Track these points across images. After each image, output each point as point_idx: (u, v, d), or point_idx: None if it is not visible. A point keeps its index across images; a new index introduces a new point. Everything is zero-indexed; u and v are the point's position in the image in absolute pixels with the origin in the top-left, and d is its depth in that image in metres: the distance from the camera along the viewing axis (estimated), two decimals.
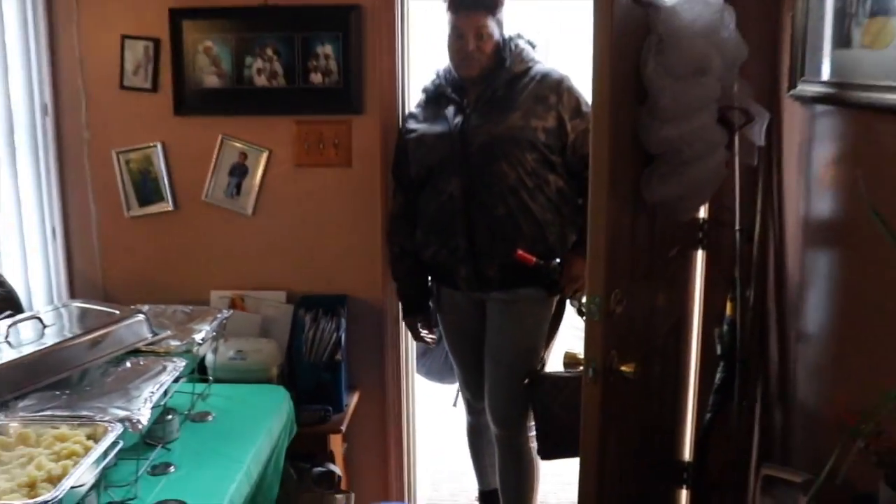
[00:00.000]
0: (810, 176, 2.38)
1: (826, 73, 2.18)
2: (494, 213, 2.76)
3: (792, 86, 2.37)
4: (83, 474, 1.59)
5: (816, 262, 2.38)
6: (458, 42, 2.78)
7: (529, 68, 2.82)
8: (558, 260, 2.80)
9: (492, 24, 2.78)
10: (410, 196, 2.96)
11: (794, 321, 2.50)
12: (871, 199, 1.61)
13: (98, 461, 1.66)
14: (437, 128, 2.85)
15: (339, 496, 2.91)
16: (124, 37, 3.13)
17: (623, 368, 2.10)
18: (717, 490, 2.86)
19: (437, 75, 2.94)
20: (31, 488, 1.55)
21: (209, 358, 2.70)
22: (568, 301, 2.93)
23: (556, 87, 2.79)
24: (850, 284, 2.13)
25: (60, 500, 1.48)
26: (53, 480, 1.58)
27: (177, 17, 3.09)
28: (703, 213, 2.85)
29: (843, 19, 2.06)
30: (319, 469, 2.96)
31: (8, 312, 2.60)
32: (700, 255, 2.92)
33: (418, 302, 3.07)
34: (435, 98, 2.92)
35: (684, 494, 3.03)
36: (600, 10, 1.90)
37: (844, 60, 2.08)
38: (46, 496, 1.47)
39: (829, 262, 2.30)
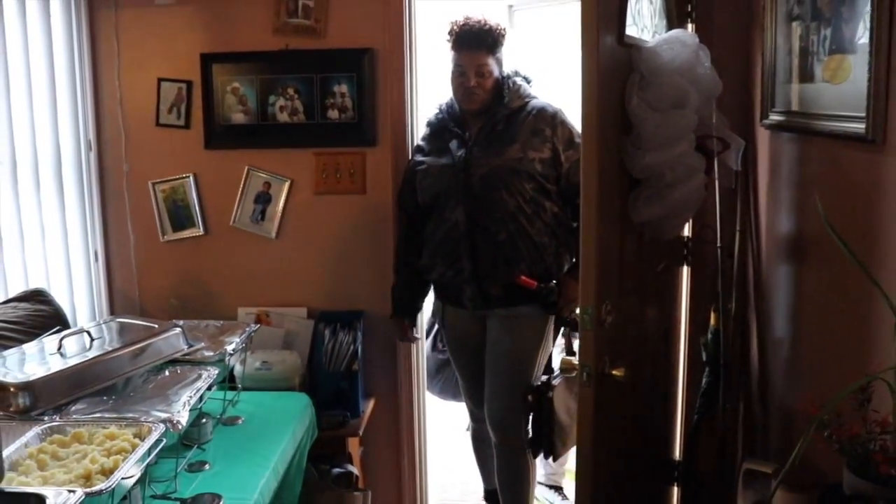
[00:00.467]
0: (780, 197, 2.45)
1: (793, 105, 2.25)
2: (497, 238, 2.80)
3: (764, 116, 2.44)
4: (131, 468, 1.69)
5: (786, 274, 2.44)
6: (461, 78, 2.83)
7: (526, 103, 2.87)
8: (555, 282, 2.85)
9: (492, 63, 2.84)
10: (415, 221, 3.02)
11: (770, 329, 2.56)
12: (827, 215, 1.70)
13: (143, 458, 1.75)
14: (443, 160, 2.89)
15: (356, 494, 2.94)
16: (160, 79, 3.23)
17: (614, 372, 2.16)
18: (705, 487, 2.88)
19: (441, 109, 2.99)
20: (87, 479, 1.64)
21: (238, 368, 2.78)
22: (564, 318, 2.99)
23: (550, 121, 2.83)
24: (815, 293, 2.20)
25: (113, 489, 1.59)
26: (106, 473, 1.67)
27: (207, 61, 3.19)
28: (687, 232, 2.89)
29: (807, 56, 2.13)
30: (338, 469, 3.00)
31: (57, 328, 2.72)
32: (685, 271, 2.96)
33: (409, 306, 3.14)
34: (439, 131, 2.96)
35: (675, 492, 3.05)
36: (587, 50, 1.99)
37: (808, 93, 2.15)
38: (101, 485, 1.56)
39: (797, 274, 2.36)
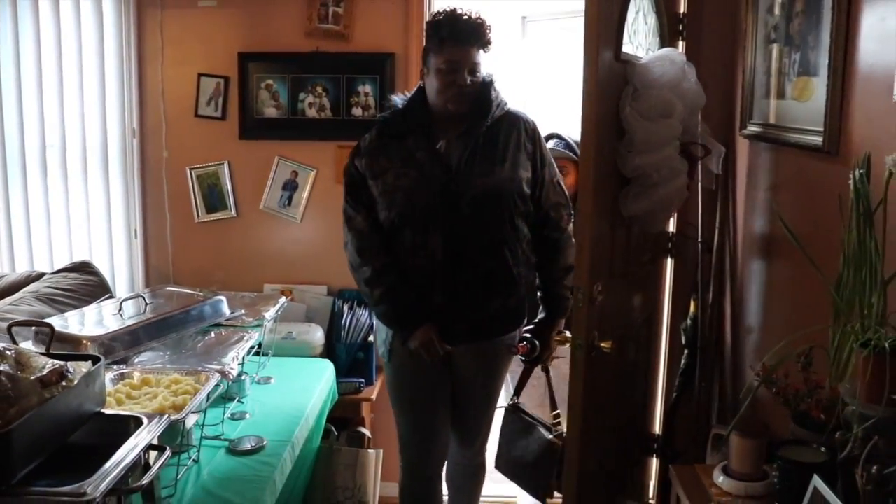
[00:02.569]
0: (755, 199, 2.68)
1: (767, 118, 2.49)
2: (478, 271, 2.48)
3: (743, 126, 2.67)
4: (196, 406, 2.00)
5: (758, 267, 2.68)
6: (453, 76, 2.40)
7: (506, 112, 2.54)
8: (530, 335, 2.65)
9: (482, 61, 2.49)
10: (373, 215, 2.53)
11: (742, 316, 2.78)
12: (788, 215, 1.97)
13: (204, 400, 2.07)
14: (411, 171, 2.45)
15: (370, 452, 3.17)
16: (200, 74, 3.49)
17: (602, 345, 2.40)
18: (681, 457, 3.01)
19: (396, 106, 2.55)
20: (162, 412, 1.95)
21: (267, 337, 3.07)
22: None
23: (531, 135, 2.56)
24: (782, 283, 2.45)
25: (184, 418, 1.89)
26: (176, 408, 1.99)
27: (244, 59, 3.45)
28: (672, 227, 3.08)
29: (780, 76, 2.38)
30: (354, 430, 3.25)
31: (107, 295, 3.02)
32: (669, 263, 3.14)
33: (419, 306, 2.50)
34: (398, 135, 2.51)
35: (654, 462, 3.26)
36: (588, 64, 2.22)
37: (780, 108, 2.40)
38: (179, 415, 1.88)
39: (767, 267, 2.60)
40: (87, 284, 3.16)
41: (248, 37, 3.46)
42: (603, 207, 2.45)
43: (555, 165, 2.66)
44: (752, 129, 2.62)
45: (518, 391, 2.87)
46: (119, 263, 3.57)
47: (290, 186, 3.54)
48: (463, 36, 2.42)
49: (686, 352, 3.01)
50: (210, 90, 3.50)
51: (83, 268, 3.26)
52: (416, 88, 2.58)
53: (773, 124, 2.45)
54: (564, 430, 2.61)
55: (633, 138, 2.51)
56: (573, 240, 2.61)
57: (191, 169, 3.57)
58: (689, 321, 2.99)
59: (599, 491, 2.77)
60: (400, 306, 2.49)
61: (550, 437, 2.71)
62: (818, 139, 2.10)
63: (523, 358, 2.68)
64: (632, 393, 3.07)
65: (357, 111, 3.44)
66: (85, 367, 1.63)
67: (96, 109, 3.47)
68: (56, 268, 3.33)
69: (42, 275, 3.22)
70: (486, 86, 2.49)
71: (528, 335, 2.64)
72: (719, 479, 1.99)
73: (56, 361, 1.52)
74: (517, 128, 2.53)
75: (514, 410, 2.83)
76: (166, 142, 3.55)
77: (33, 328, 2.14)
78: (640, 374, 3.14)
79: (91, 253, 3.52)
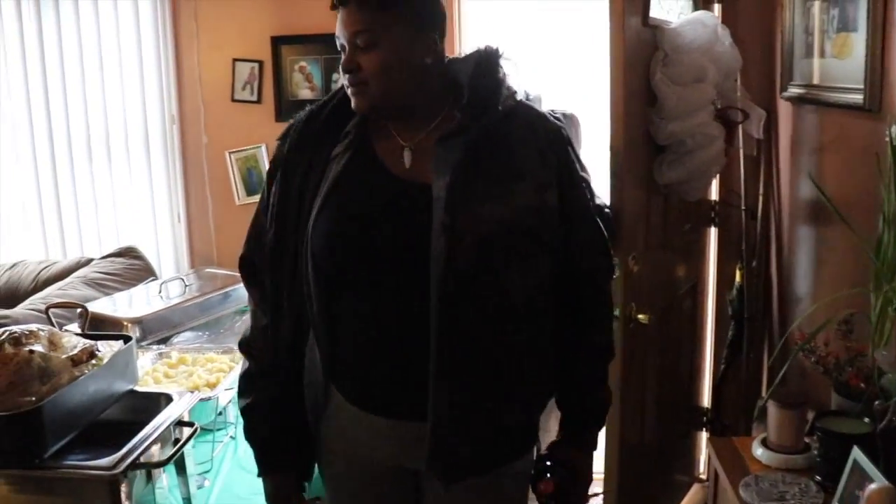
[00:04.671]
0: (798, 163, 2.63)
1: (807, 78, 2.44)
2: (489, 356, 1.46)
3: (783, 89, 2.62)
4: (228, 384, 2.05)
5: (802, 233, 2.64)
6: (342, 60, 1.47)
7: (518, 105, 1.52)
8: (551, 466, 1.61)
9: (392, 25, 1.47)
10: (277, 301, 1.53)
11: (789, 284, 2.74)
12: (813, 175, 1.92)
13: (234, 381, 2.10)
14: (373, 196, 1.46)
15: None
16: (234, 59, 3.56)
17: (640, 317, 2.39)
18: (729, 430, 3.03)
19: (336, 95, 1.54)
20: (196, 390, 2.01)
21: None
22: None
23: (555, 138, 1.55)
24: (829, 249, 2.40)
25: (218, 396, 1.94)
26: (210, 386, 2.04)
27: (277, 42, 3.51)
28: (714, 196, 3.03)
29: (819, 34, 2.33)
30: None
31: (151, 278, 3.11)
32: (713, 232, 3.09)
33: (292, 453, 1.59)
34: (336, 129, 1.51)
35: (703, 436, 3.23)
36: (614, 32, 2.21)
37: (820, 68, 2.35)
38: (211, 393, 1.93)
39: (814, 233, 2.56)
40: (132, 268, 3.26)
41: (280, 20, 3.51)
42: (636, 178, 2.43)
43: (591, 186, 1.92)
44: (793, 90, 2.57)
45: None
46: (164, 247, 3.67)
47: None
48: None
49: (733, 323, 2.97)
50: (245, 75, 3.57)
51: (129, 252, 3.35)
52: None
53: (814, 84, 2.40)
54: None
55: (664, 105, 2.47)
56: (610, 305, 1.70)
57: (230, 153, 3.65)
58: (734, 291, 2.96)
59: (643, 464, 2.75)
60: (261, 435, 1.58)
61: None
62: (859, 97, 2.06)
63: (547, 501, 1.61)
64: (677, 366, 3.05)
65: None
66: (117, 346, 1.67)
67: (137, 98, 3.57)
68: (104, 253, 3.43)
69: (90, 260, 3.34)
70: (487, 59, 1.53)
71: (548, 462, 1.62)
72: (758, 451, 1.95)
73: (87, 341, 1.58)
74: (533, 130, 1.51)
75: None
76: (205, 127, 3.64)
77: (78, 310, 2.20)
78: (686, 347, 3.11)
79: (137, 238, 3.61)
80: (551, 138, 1.53)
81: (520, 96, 1.54)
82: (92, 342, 1.59)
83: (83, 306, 1.87)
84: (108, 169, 3.59)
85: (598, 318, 1.63)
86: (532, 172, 1.47)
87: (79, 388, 1.49)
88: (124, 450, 1.47)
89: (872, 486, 1.42)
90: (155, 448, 1.56)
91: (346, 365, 1.49)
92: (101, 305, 2.47)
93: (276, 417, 1.55)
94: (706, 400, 3.26)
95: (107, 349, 1.63)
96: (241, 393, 1.59)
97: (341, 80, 1.48)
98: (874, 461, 1.51)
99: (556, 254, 1.52)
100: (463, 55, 1.55)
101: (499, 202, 1.42)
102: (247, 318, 1.61)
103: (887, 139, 1.55)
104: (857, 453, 1.55)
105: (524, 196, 1.45)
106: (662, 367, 2.85)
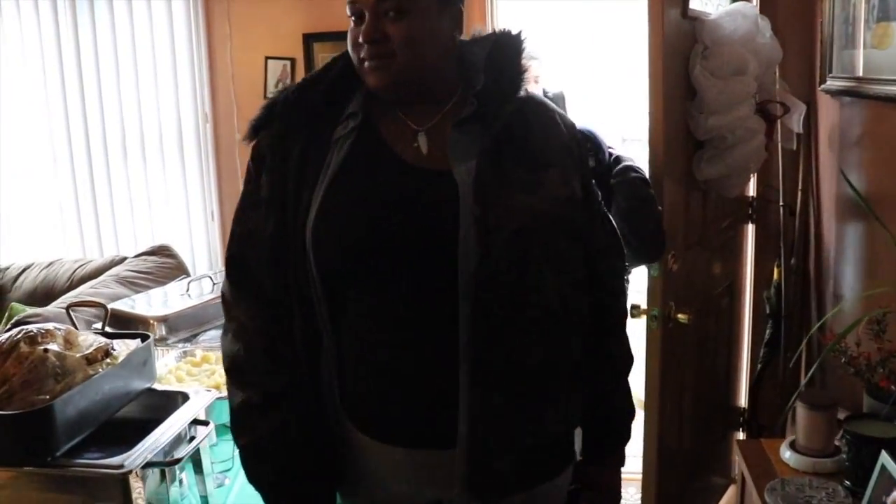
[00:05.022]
0: (837, 158, 2.58)
1: (847, 70, 2.39)
2: (526, 363, 1.32)
3: (822, 81, 2.58)
4: None
5: (842, 230, 2.58)
6: (357, 31, 1.31)
7: (529, 98, 1.41)
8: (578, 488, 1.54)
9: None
10: (278, 309, 1.33)
11: (828, 282, 2.69)
12: (857, 176, 1.86)
13: None
14: (389, 190, 1.29)
15: None
16: (267, 58, 3.57)
17: (679, 316, 2.37)
18: (766, 431, 2.99)
19: (327, 75, 1.36)
20: (217, 389, 2.01)
21: None
22: None
23: (575, 132, 1.45)
24: (864, 246, 2.36)
25: None
26: None
27: (309, 40, 3.52)
28: (752, 191, 2.99)
29: (859, 24, 2.27)
30: None
31: (183, 276, 3.13)
32: (750, 228, 3.05)
33: (313, 483, 1.36)
34: (335, 109, 1.34)
35: (740, 436, 3.17)
36: (653, 25, 2.18)
37: (860, 59, 2.29)
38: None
39: (851, 230, 2.51)
40: (165, 267, 3.29)
41: (312, 17, 3.52)
42: (674, 174, 2.40)
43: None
44: (832, 83, 2.52)
45: None
46: (198, 245, 3.70)
47: None
48: None
49: (770, 321, 2.93)
50: (278, 72, 3.59)
51: (162, 251, 3.38)
52: None
53: (854, 76, 2.35)
54: None
55: (704, 98, 2.43)
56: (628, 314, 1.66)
57: None
58: (772, 289, 2.92)
59: (681, 466, 2.72)
60: (269, 473, 1.35)
61: None
62: None
63: None
64: (713, 365, 3.01)
65: None
66: (134, 345, 1.68)
67: (170, 97, 3.61)
68: (140, 250, 3.46)
69: (125, 259, 3.37)
70: (509, 44, 1.38)
71: (573, 485, 1.52)
72: (786, 454, 1.90)
73: (104, 340, 1.58)
74: (555, 122, 1.42)
75: None
76: (238, 125, 3.65)
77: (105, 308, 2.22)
78: (723, 346, 3.07)
79: (172, 236, 3.65)
80: (568, 127, 1.43)
81: (534, 91, 1.43)
82: (108, 341, 1.60)
83: (104, 305, 1.88)
84: (143, 168, 3.63)
85: (617, 325, 1.53)
86: (559, 161, 1.37)
87: (93, 386, 1.49)
88: (137, 448, 1.47)
89: None
90: (169, 446, 1.56)
91: (356, 387, 1.31)
92: (128, 304, 2.49)
93: (290, 453, 1.31)
94: (743, 400, 3.22)
95: (124, 348, 1.63)
96: (239, 429, 1.33)
97: (352, 52, 1.30)
98: None
99: (587, 246, 1.42)
100: (473, 37, 1.41)
101: (530, 191, 1.30)
102: (229, 339, 1.34)
103: None
104: (885, 458, 1.49)
105: (554, 186, 1.33)
106: (700, 366, 2.81)
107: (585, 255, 1.42)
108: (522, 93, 1.36)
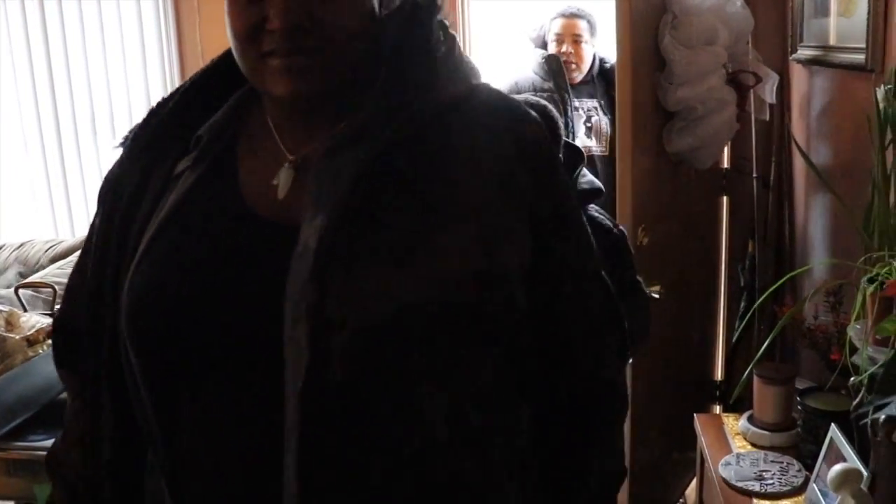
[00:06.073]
0: (809, 128, 2.57)
1: (816, 39, 2.38)
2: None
3: (793, 50, 2.56)
4: None
5: (817, 201, 2.57)
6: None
7: (472, 91, 0.96)
8: None
9: None
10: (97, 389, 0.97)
11: (803, 255, 2.69)
12: (825, 146, 1.84)
13: None
14: (219, 242, 0.92)
15: None
16: None
17: (651, 290, 2.31)
18: (740, 403, 3.06)
19: (184, 90, 1.00)
20: None
21: None
22: None
23: (535, 141, 0.96)
24: (839, 218, 2.32)
25: None
26: None
27: None
28: (726, 164, 2.97)
29: None
30: None
31: None
32: (724, 201, 3.03)
33: None
34: (185, 132, 0.97)
35: (717, 409, 3.15)
36: None
37: (828, 27, 2.28)
38: None
39: (825, 202, 2.47)
40: None
41: None
42: (645, 146, 2.40)
43: (590, 238, 1.05)
44: (803, 52, 2.50)
45: None
46: None
47: None
48: None
49: (745, 294, 2.91)
50: None
51: None
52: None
53: (822, 45, 2.34)
54: None
55: (673, 69, 2.43)
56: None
57: None
58: (747, 262, 2.91)
59: (656, 439, 2.75)
60: None
61: None
62: (861, 57, 1.98)
63: None
64: (689, 338, 3.02)
65: None
66: None
67: (140, 77, 3.65)
68: None
69: None
70: (414, 16, 0.94)
71: None
72: (743, 428, 1.89)
73: (47, 321, 1.56)
74: (494, 133, 0.93)
75: None
76: None
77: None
78: (699, 319, 3.08)
79: None
80: (525, 145, 0.93)
81: (476, 82, 0.97)
82: (50, 321, 1.59)
83: (51, 286, 1.87)
84: (114, 148, 3.61)
85: (607, 433, 1.05)
86: (481, 208, 0.88)
87: (33, 367, 1.48)
88: None
89: (836, 466, 1.36)
90: None
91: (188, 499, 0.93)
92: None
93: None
94: (719, 373, 3.21)
95: None
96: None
97: (243, 45, 0.88)
98: (852, 440, 1.45)
99: (517, 341, 0.94)
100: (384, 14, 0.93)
101: (407, 268, 0.84)
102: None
103: (874, 100, 1.46)
104: (833, 431, 1.49)
105: (458, 255, 0.86)
106: (675, 340, 2.81)
107: (553, 337, 0.98)
108: (459, 87, 0.93)
